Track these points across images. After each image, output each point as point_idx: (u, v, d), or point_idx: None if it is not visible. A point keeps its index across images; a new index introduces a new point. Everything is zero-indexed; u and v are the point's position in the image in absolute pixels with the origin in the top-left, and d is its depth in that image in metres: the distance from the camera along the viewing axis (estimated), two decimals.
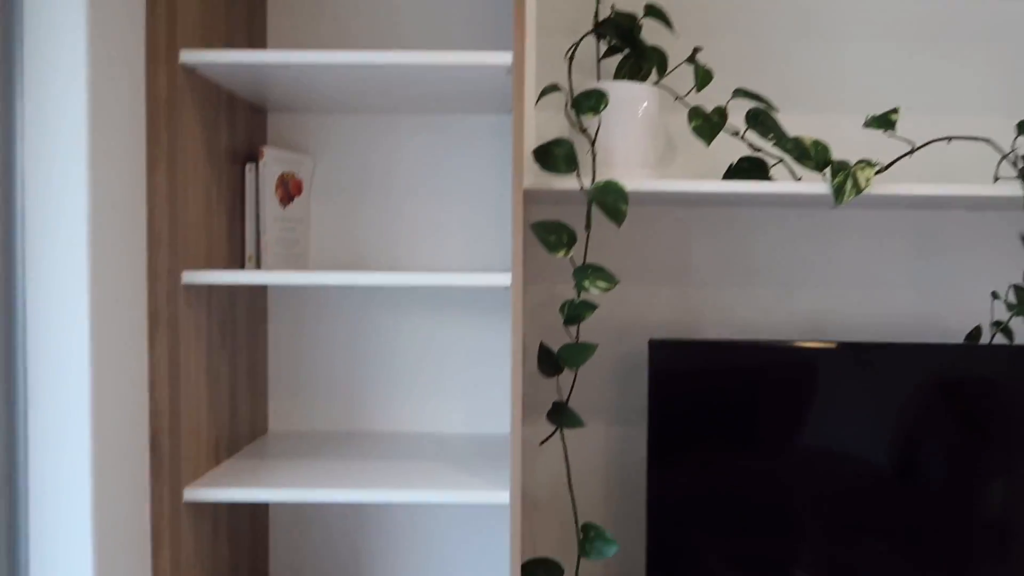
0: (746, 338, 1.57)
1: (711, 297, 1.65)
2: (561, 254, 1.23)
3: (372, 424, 1.68)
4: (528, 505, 1.71)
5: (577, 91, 1.34)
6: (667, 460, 1.31)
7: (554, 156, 1.25)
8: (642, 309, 1.66)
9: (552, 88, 1.39)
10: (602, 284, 1.23)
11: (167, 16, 1.21)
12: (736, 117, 1.59)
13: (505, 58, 1.20)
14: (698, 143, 1.62)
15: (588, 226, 1.29)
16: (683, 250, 1.65)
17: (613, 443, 1.66)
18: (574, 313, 1.26)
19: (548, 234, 1.24)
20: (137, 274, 1.20)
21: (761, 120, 1.35)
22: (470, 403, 1.68)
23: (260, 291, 1.63)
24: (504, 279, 1.21)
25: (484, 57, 1.20)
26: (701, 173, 1.63)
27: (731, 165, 1.46)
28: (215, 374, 1.40)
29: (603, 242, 1.65)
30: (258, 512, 1.64)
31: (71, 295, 1.07)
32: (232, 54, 1.23)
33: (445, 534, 1.70)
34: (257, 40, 1.58)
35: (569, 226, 1.26)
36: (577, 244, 1.58)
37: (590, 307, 1.26)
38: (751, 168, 1.44)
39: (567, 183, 1.30)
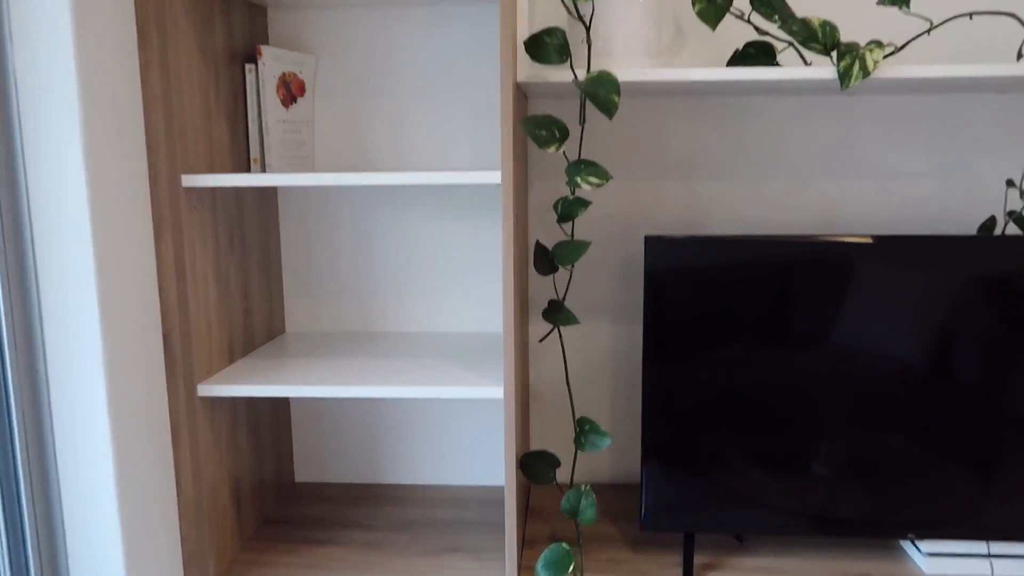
0: (746, 234, 1.55)
1: (720, 192, 1.62)
2: (552, 149, 1.21)
3: (383, 325, 1.73)
4: (536, 402, 1.75)
5: None
6: (662, 356, 1.32)
7: (545, 46, 1.21)
8: (647, 206, 1.63)
9: None
10: (594, 180, 1.21)
11: None
12: (743, 2, 1.51)
13: None
14: (709, 31, 1.55)
15: (582, 120, 1.26)
16: (691, 143, 1.61)
17: (616, 341, 1.68)
18: (567, 210, 1.25)
19: (538, 129, 1.21)
20: (138, 178, 1.22)
21: (766, 0, 1.28)
22: (476, 302, 1.70)
23: (270, 193, 1.65)
24: (494, 176, 1.20)
25: None
26: (710, 61, 1.57)
27: (736, 51, 1.40)
28: (224, 275, 1.44)
29: (606, 137, 1.62)
30: (279, 408, 1.71)
31: (71, 200, 1.10)
32: None
33: (455, 426, 1.76)
34: None
35: (560, 120, 1.23)
36: (575, 140, 1.55)
37: (583, 204, 1.25)
38: (758, 53, 1.38)
39: (560, 75, 1.27)
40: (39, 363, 1.15)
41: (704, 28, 1.56)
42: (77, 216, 1.11)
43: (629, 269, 1.66)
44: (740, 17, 1.40)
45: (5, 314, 1.09)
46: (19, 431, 1.13)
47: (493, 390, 1.29)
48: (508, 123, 1.17)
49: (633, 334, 1.68)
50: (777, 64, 1.40)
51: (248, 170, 1.52)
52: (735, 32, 1.56)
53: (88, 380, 1.15)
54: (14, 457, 1.13)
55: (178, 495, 1.33)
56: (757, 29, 1.38)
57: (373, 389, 1.29)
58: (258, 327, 1.60)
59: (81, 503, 1.18)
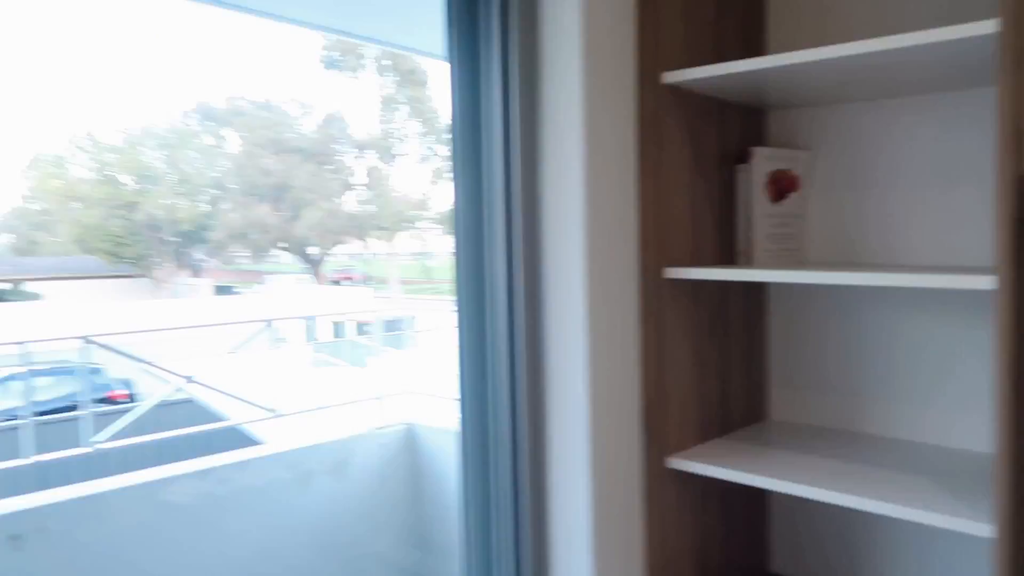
0: None
1: None
2: None
3: (866, 425, 1.60)
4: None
5: None
6: None
7: None
8: None
9: None
10: None
11: (653, 42, 1.39)
12: None
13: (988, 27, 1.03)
14: None
15: None
16: None
17: None
18: None
19: None
20: (628, 270, 1.42)
21: None
22: (969, 414, 1.46)
23: (757, 286, 1.70)
24: (987, 282, 1.05)
25: (969, 29, 1.06)
26: None
27: None
28: (703, 359, 1.54)
29: None
30: (754, 491, 1.73)
31: (573, 284, 1.34)
32: (711, 68, 1.34)
33: (928, 549, 1.52)
34: (754, 45, 1.65)
35: None
36: None
37: None
38: None
39: None
40: (543, 424, 1.40)
41: None
42: (574, 298, 1.34)
43: None
44: None
45: (523, 383, 1.38)
46: (524, 480, 1.39)
47: (979, 526, 1.11)
48: (1006, 222, 1.02)
49: None
50: None
51: (733, 263, 1.60)
52: None
53: (575, 441, 1.36)
54: (517, 500, 1.40)
55: (644, 557, 1.45)
56: None
57: (848, 498, 1.23)
58: (736, 411, 1.65)
59: (565, 542, 1.39)
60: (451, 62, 1.35)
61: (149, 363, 3.07)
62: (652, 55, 1.39)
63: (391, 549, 2.42)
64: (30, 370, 2.89)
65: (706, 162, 1.52)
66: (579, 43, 1.30)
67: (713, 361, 1.57)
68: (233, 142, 22.66)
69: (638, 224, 1.43)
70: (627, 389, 1.43)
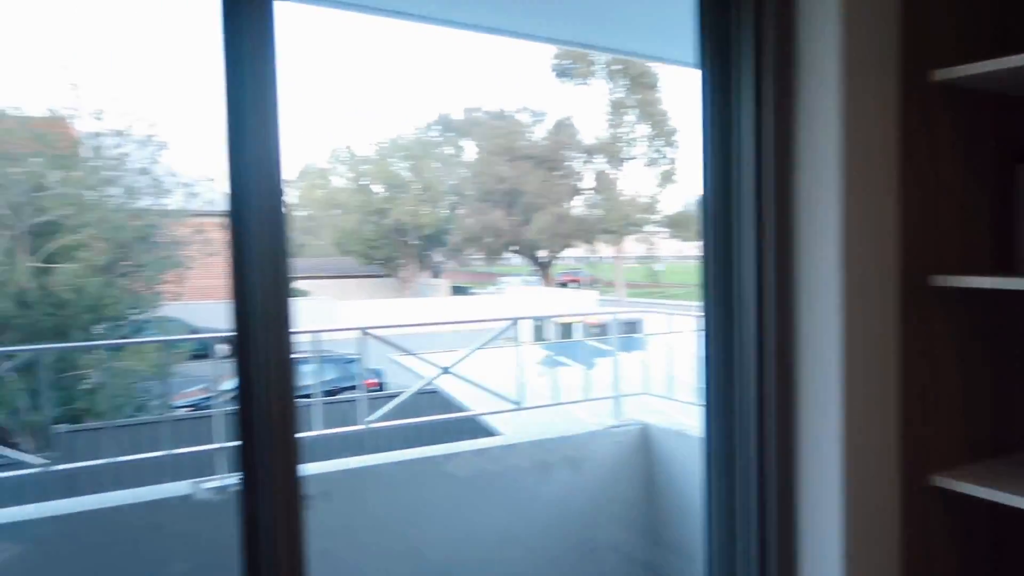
0: None
1: None
2: None
3: None
4: None
5: None
6: None
7: None
8: None
9: None
10: None
11: (920, 38, 1.32)
12: None
13: None
14: None
15: None
16: None
17: None
18: None
19: None
20: (887, 277, 1.35)
21: None
22: None
23: None
24: None
25: None
26: None
27: None
28: (973, 374, 1.43)
29: None
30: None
31: (827, 295, 1.32)
32: (996, 62, 1.25)
33: None
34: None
35: None
36: None
37: None
38: None
39: None
40: (793, 434, 1.39)
41: None
42: (829, 305, 1.31)
43: None
44: None
45: (771, 391, 1.37)
46: (771, 492, 1.39)
47: None
48: None
49: None
50: None
51: (1012, 270, 1.47)
52: None
53: (827, 454, 1.33)
54: (764, 513, 1.40)
55: None
56: None
57: None
58: (1013, 431, 1.51)
59: (814, 558, 1.37)
60: (703, 68, 1.38)
61: (417, 355, 3.42)
62: (918, 52, 1.32)
63: (628, 544, 2.49)
64: (315, 357, 3.35)
65: (981, 162, 1.41)
66: (837, 44, 1.27)
67: (986, 376, 1.45)
68: (470, 151, 24.07)
69: (900, 230, 1.36)
70: (885, 400, 1.37)
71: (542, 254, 23.88)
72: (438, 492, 2.32)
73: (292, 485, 1.07)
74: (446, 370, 3.36)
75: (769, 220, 1.35)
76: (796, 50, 1.33)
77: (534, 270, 25.22)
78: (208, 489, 1.86)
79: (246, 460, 1.06)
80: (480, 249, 24.20)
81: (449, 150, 23.95)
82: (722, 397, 1.43)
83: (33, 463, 2.95)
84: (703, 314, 1.43)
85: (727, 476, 1.43)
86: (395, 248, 22.85)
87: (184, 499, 1.86)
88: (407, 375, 5.72)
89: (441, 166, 23.47)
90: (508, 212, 22.80)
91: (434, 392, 5.17)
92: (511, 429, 3.38)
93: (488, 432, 4.09)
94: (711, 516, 1.42)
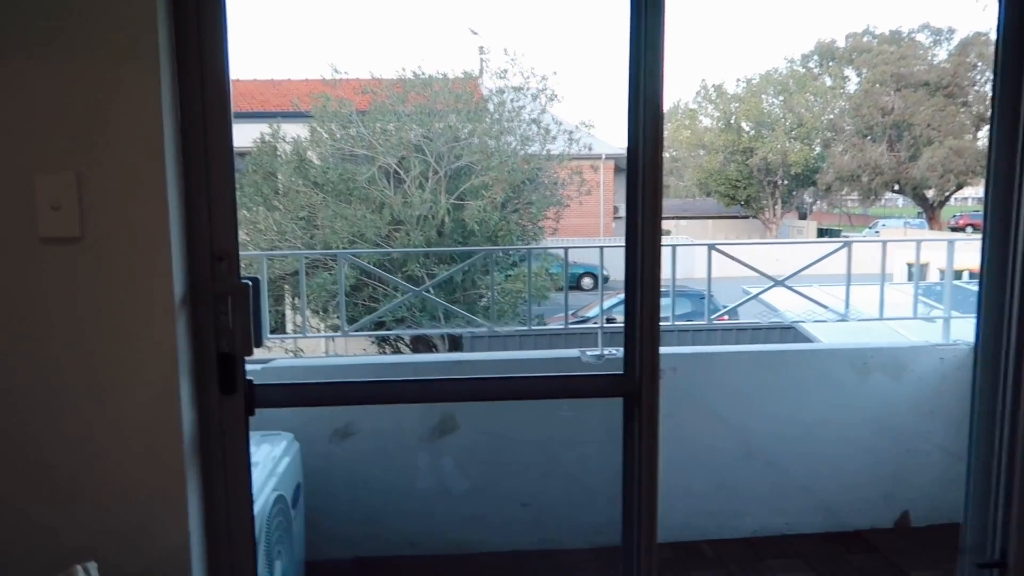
0: None
1: None
2: None
3: None
4: None
5: None
6: None
7: None
8: None
9: None
10: None
11: None
12: None
13: None
14: None
15: None
16: None
17: None
18: None
19: None
20: None
21: None
22: None
23: None
24: None
25: None
26: None
27: None
28: None
29: None
30: None
31: None
32: None
33: None
34: None
35: None
36: None
37: None
38: None
39: None
40: None
41: None
42: None
43: None
44: None
45: None
46: None
47: None
48: None
49: None
50: None
51: None
52: None
53: None
54: None
55: None
56: None
57: None
58: None
59: None
60: None
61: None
62: None
63: (944, 439, 2.60)
64: (674, 291, 3.85)
65: None
66: None
67: None
68: (852, 81, 22.17)
69: None
70: None
71: (930, 194, 21.27)
72: (767, 380, 2.68)
73: (654, 365, 1.48)
74: (780, 282, 3.56)
75: None
76: None
77: (920, 212, 22.63)
78: (591, 355, 2.61)
79: (628, 347, 1.49)
80: (855, 188, 22.37)
81: (828, 82, 22.33)
82: None
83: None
84: None
85: None
86: (759, 188, 22.22)
87: (575, 360, 2.66)
88: (768, 313, 5.92)
89: (816, 100, 22.03)
90: (892, 147, 20.67)
91: (789, 328, 5.30)
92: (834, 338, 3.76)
93: (809, 340, 4.54)
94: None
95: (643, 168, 1.43)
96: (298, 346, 8.12)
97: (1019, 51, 1.44)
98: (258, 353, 1.36)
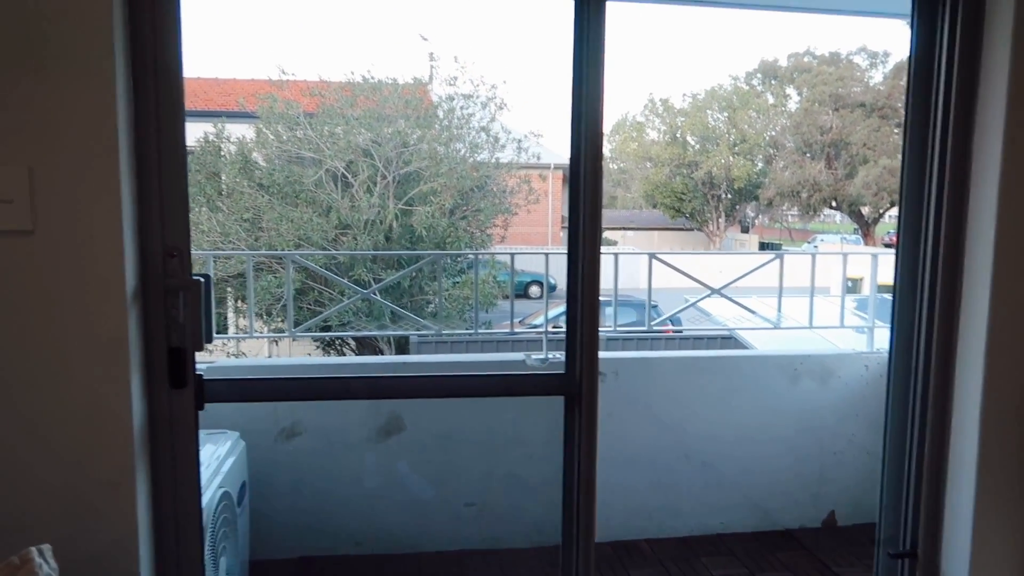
0: None
1: None
2: None
3: None
4: None
5: None
6: None
7: None
8: None
9: None
10: None
11: None
12: None
13: None
14: None
15: None
16: None
17: None
18: None
19: None
20: None
21: None
22: None
23: None
24: None
25: None
26: None
27: None
28: None
29: None
30: None
31: None
32: None
33: None
34: None
35: None
36: None
37: None
38: None
39: None
40: None
41: None
42: None
43: None
44: None
45: None
46: None
47: None
48: None
49: None
50: None
51: None
52: None
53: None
54: None
55: None
56: None
57: None
58: None
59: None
60: None
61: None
62: None
63: (867, 441, 2.78)
64: (616, 301, 3.96)
65: None
66: None
67: None
68: (793, 99, 22.84)
69: None
70: None
71: (865, 211, 22.07)
72: (703, 384, 2.81)
73: (593, 364, 1.55)
74: (717, 291, 3.72)
75: None
76: None
77: (855, 228, 23.43)
78: (536, 359, 2.70)
79: (569, 348, 1.56)
80: (794, 204, 23.05)
81: (770, 99, 22.98)
82: None
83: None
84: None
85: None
86: (703, 202, 22.71)
87: (520, 363, 2.81)
88: (704, 319, 6.11)
89: (759, 116, 22.65)
90: (829, 165, 21.40)
91: (729, 337, 5.47)
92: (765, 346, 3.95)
93: (744, 347, 4.68)
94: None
95: (584, 179, 1.50)
96: (240, 349, 8.01)
97: (927, 79, 1.57)
98: (199, 356, 1.39)
